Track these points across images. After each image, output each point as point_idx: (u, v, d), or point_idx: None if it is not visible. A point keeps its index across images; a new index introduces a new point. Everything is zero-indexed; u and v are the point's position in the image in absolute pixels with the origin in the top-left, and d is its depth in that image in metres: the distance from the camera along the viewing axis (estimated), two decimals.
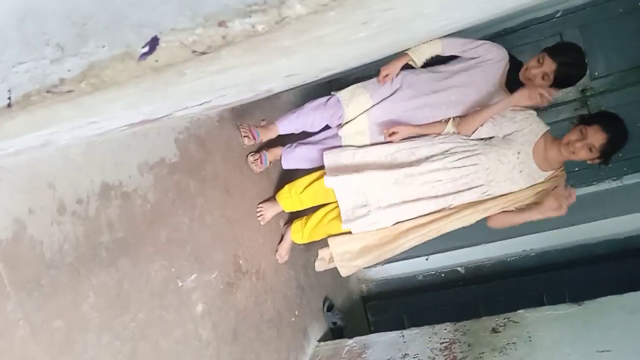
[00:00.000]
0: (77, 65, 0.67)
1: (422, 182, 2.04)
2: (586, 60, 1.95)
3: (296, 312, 2.57)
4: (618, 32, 3.16)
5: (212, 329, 1.83)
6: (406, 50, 2.08)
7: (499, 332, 2.18)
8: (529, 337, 2.08)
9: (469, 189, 2.01)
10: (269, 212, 2.41)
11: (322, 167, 2.22)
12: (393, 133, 2.05)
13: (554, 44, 1.99)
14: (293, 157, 2.40)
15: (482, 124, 1.99)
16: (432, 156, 2.04)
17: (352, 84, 2.26)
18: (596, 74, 3.27)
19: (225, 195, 2.15)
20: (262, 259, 2.33)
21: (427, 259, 3.75)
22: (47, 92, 0.68)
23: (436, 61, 2.15)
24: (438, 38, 2.03)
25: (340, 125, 2.23)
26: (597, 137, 1.79)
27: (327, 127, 2.35)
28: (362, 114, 2.17)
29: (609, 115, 1.88)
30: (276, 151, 2.47)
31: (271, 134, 2.42)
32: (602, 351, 1.85)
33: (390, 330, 2.51)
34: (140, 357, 1.45)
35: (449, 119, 2.08)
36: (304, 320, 2.65)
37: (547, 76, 1.89)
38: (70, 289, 1.26)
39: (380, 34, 1.14)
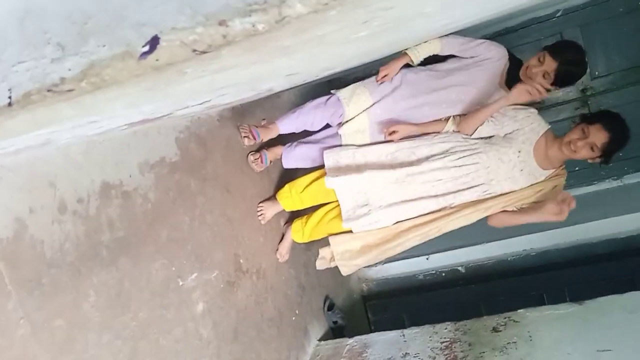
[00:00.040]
0: (78, 64, 0.67)
1: (422, 181, 2.04)
2: (586, 59, 1.95)
3: (297, 311, 2.58)
4: (618, 31, 3.15)
5: (213, 328, 1.83)
6: (405, 49, 2.08)
7: (500, 331, 2.18)
8: (530, 336, 2.08)
9: (470, 187, 2.01)
10: (269, 211, 2.41)
11: (322, 166, 2.22)
12: (393, 132, 2.05)
13: (555, 43, 1.99)
14: (293, 156, 2.40)
15: (482, 123, 1.99)
16: (432, 155, 2.05)
17: (353, 83, 2.26)
18: (596, 73, 3.27)
19: (226, 194, 2.15)
20: (262, 258, 2.33)
21: (427, 259, 3.75)
22: (48, 91, 0.68)
23: (436, 60, 2.15)
24: (437, 37, 2.03)
25: (340, 124, 2.23)
26: (599, 136, 1.79)
27: (327, 126, 2.35)
28: (362, 112, 2.17)
29: (611, 115, 1.88)
30: (276, 150, 2.47)
31: (272, 134, 2.42)
32: (603, 350, 1.85)
33: (391, 329, 2.51)
34: (140, 356, 1.45)
35: (449, 117, 2.09)
36: (305, 320, 2.65)
37: (547, 75, 1.89)
38: (71, 288, 1.27)
39: (381, 33, 1.14)
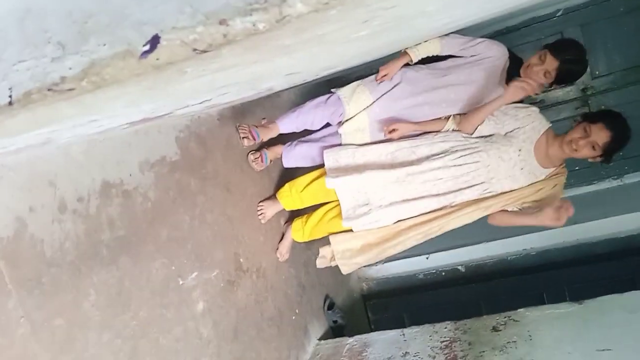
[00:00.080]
0: (78, 63, 0.67)
1: (423, 180, 2.04)
2: (587, 57, 1.95)
3: (297, 311, 2.58)
4: (619, 30, 3.15)
5: (213, 327, 1.83)
6: (405, 48, 2.08)
7: (500, 330, 2.18)
8: (530, 335, 2.08)
9: (470, 186, 2.01)
10: (269, 210, 2.41)
11: (322, 166, 2.22)
12: (393, 130, 2.05)
13: (555, 41, 1.98)
14: (293, 156, 2.40)
15: (482, 122, 1.99)
16: (432, 155, 2.04)
17: (353, 82, 2.26)
18: (597, 72, 3.27)
19: (226, 193, 2.15)
20: (262, 257, 2.33)
21: (427, 258, 3.75)
22: (48, 90, 0.68)
23: (436, 58, 2.14)
24: (437, 37, 2.03)
25: (340, 123, 2.23)
26: (601, 135, 1.79)
27: (327, 125, 2.35)
28: (362, 111, 2.17)
29: (612, 114, 1.88)
30: (277, 149, 2.47)
31: (272, 133, 2.41)
32: (603, 350, 1.85)
33: (391, 328, 2.51)
34: (141, 355, 1.46)
35: (449, 116, 2.08)
36: (305, 319, 2.65)
37: (549, 74, 1.89)
38: (71, 287, 1.27)
39: (381, 32, 1.14)
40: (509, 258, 3.57)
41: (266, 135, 2.41)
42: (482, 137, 2.03)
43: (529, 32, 3.28)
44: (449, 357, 2.12)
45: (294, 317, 2.53)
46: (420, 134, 2.14)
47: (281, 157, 2.45)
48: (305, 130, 2.37)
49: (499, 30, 3.27)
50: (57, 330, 1.20)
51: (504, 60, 2.05)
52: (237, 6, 0.59)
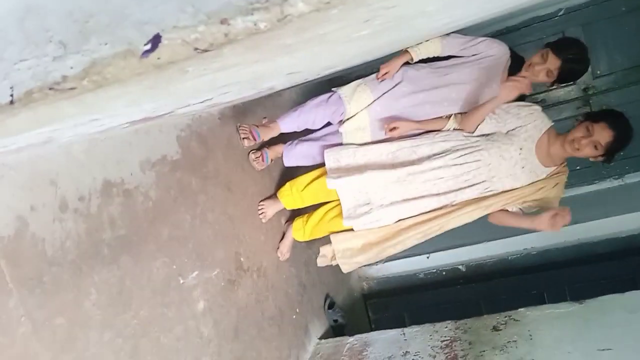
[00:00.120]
0: (80, 62, 0.67)
1: (423, 180, 2.03)
2: (589, 56, 1.94)
3: (297, 310, 2.58)
4: (620, 30, 3.15)
5: (214, 326, 1.83)
6: (406, 48, 2.08)
7: (500, 330, 2.18)
8: (530, 335, 2.08)
9: (471, 185, 2.01)
10: (270, 209, 2.41)
11: (323, 165, 2.22)
12: (393, 128, 2.05)
13: (557, 40, 1.98)
14: (294, 155, 2.40)
15: (483, 120, 1.99)
16: (433, 154, 2.04)
17: (354, 81, 2.26)
18: (598, 72, 3.26)
19: (227, 192, 2.16)
20: (263, 257, 2.33)
21: (428, 257, 3.75)
22: (50, 89, 0.68)
23: (437, 57, 2.14)
24: (438, 37, 2.03)
25: (341, 122, 2.22)
26: (603, 134, 1.79)
27: (328, 124, 2.35)
28: (362, 110, 2.17)
29: (615, 113, 1.87)
30: (277, 149, 2.47)
31: (272, 133, 2.41)
32: (603, 349, 1.85)
33: (391, 328, 2.51)
34: (141, 354, 1.46)
35: (451, 115, 2.08)
36: (305, 318, 2.65)
37: (551, 73, 1.88)
38: (72, 286, 1.27)
39: (382, 31, 1.14)
40: (509, 258, 3.57)
41: (267, 134, 2.41)
42: (483, 135, 2.03)
43: (530, 32, 3.28)
44: (449, 357, 2.12)
45: (294, 316, 2.53)
46: (421, 134, 2.14)
47: (282, 156, 2.45)
48: (306, 129, 2.37)
49: (500, 30, 3.26)
50: (58, 329, 1.20)
51: (506, 59, 2.05)
52: (238, 5, 0.59)
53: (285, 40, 0.76)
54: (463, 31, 2.08)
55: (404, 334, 2.42)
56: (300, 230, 2.42)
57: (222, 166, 2.16)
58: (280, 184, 2.50)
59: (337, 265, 2.28)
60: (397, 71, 2.13)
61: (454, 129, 2.08)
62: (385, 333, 2.49)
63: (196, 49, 0.63)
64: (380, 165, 2.10)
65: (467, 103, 2.07)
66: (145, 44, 0.63)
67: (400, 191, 2.06)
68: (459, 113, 2.08)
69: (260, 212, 2.39)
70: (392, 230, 2.13)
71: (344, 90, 2.22)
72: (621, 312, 2.01)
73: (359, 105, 2.17)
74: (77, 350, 1.25)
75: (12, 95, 0.70)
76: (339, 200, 2.17)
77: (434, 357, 2.16)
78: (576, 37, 3.07)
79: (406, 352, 2.26)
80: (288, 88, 2.56)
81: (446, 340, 2.25)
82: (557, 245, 3.41)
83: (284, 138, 2.46)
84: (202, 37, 0.62)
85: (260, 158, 2.41)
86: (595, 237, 3.33)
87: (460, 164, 2.00)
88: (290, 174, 2.55)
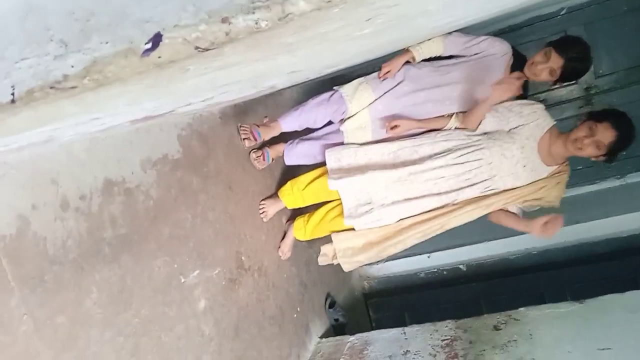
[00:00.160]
0: (80, 61, 0.67)
1: (425, 179, 2.03)
2: (591, 54, 1.93)
3: (298, 309, 2.58)
4: (622, 29, 3.14)
5: (214, 325, 1.83)
6: (408, 47, 2.08)
7: (500, 329, 2.18)
8: (530, 334, 2.08)
9: (472, 184, 2.01)
10: (271, 208, 2.41)
11: (324, 164, 2.21)
12: (395, 126, 2.04)
13: (559, 38, 1.96)
14: (295, 154, 2.40)
15: (484, 118, 1.98)
16: (435, 154, 2.04)
17: (355, 79, 2.25)
18: (600, 72, 3.26)
19: (228, 191, 2.16)
20: (264, 256, 2.34)
21: (429, 257, 3.75)
22: (51, 88, 0.68)
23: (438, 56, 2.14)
24: (440, 36, 2.02)
25: (342, 121, 2.22)
26: (606, 134, 1.78)
27: (329, 123, 2.34)
28: (364, 109, 2.16)
29: (618, 113, 1.86)
30: (278, 148, 2.47)
31: (274, 132, 2.41)
32: (603, 349, 1.85)
33: (392, 327, 2.52)
34: (142, 352, 1.46)
35: (452, 114, 2.08)
36: (306, 317, 2.66)
37: (554, 72, 1.87)
38: (74, 285, 1.27)
39: (384, 30, 1.14)
40: (510, 257, 3.57)
41: (268, 134, 2.40)
42: (485, 133, 2.03)
43: (532, 31, 3.27)
44: (449, 356, 2.12)
45: (295, 315, 2.53)
46: (423, 133, 2.13)
47: (283, 155, 2.44)
48: (307, 128, 2.37)
49: (502, 29, 3.26)
50: (59, 327, 1.21)
51: (508, 57, 2.04)
52: (239, 4, 0.59)
53: (286, 39, 0.76)
54: (465, 30, 2.08)
55: (404, 333, 2.42)
56: (302, 230, 2.42)
57: (223, 165, 2.16)
58: (281, 183, 2.50)
59: (338, 265, 2.28)
60: (399, 70, 2.13)
61: (455, 128, 2.07)
62: (385, 332, 2.49)
63: (197, 47, 0.63)
64: (382, 165, 2.10)
65: (469, 102, 2.06)
66: (146, 43, 0.64)
67: (402, 191, 2.06)
68: (460, 112, 2.08)
69: (261, 211, 2.39)
70: (393, 229, 2.13)
71: (346, 89, 2.21)
72: (621, 311, 2.01)
73: (361, 104, 2.17)
74: (78, 349, 1.25)
75: (13, 94, 0.70)
76: (340, 199, 2.16)
77: (435, 356, 2.16)
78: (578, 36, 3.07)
79: (407, 351, 2.26)
80: (289, 87, 2.56)
81: (447, 339, 2.25)
82: (557, 245, 3.41)
83: (285, 137, 2.46)
84: (203, 35, 0.62)
85: (261, 157, 2.41)
86: (595, 237, 3.33)
87: (462, 163, 2.00)
88: (291, 173, 2.55)
